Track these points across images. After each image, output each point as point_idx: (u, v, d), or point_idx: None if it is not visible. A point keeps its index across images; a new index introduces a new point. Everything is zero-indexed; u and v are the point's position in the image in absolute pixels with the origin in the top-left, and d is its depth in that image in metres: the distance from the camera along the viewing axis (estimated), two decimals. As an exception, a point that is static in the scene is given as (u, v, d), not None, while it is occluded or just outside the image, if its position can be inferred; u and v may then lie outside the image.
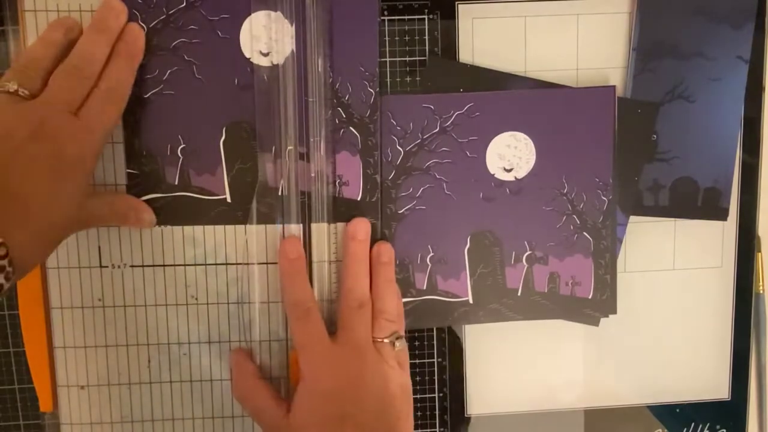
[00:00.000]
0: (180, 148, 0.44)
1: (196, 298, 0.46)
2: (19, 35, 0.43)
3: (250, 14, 0.44)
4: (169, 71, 0.44)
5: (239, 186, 0.45)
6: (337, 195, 0.45)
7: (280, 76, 0.44)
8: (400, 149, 0.46)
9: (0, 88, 0.39)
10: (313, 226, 0.45)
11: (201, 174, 0.45)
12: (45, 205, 0.37)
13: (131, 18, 0.43)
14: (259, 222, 0.45)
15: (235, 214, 0.45)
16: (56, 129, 0.38)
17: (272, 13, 0.44)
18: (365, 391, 0.42)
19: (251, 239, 0.46)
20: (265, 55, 0.44)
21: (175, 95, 0.44)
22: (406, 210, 0.46)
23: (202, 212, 0.45)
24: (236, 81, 0.44)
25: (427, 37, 0.45)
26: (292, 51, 0.44)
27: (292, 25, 0.44)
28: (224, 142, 0.45)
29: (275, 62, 0.44)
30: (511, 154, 0.46)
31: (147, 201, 0.45)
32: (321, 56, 0.44)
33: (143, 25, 0.43)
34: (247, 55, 0.44)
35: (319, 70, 0.44)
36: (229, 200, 0.45)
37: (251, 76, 0.44)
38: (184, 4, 0.43)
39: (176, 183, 0.45)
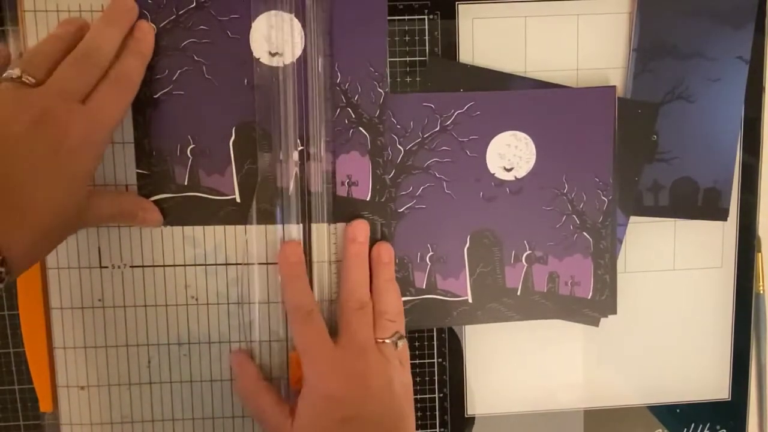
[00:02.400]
0: (190, 148, 0.44)
1: (196, 299, 0.46)
2: (19, 35, 0.43)
3: (259, 14, 0.44)
4: (178, 71, 0.44)
5: (249, 186, 0.45)
6: (346, 195, 0.45)
7: (288, 76, 0.44)
8: (401, 148, 0.46)
9: (4, 75, 0.38)
10: (314, 226, 0.45)
11: (210, 174, 0.45)
12: (45, 195, 0.36)
13: (140, 17, 0.43)
14: (259, 222, 0.45)
15: (244, 214, 0.45)
16: (59, 116, 0.37)
17: (282, 14, 0.44)
18: (370, 393, 0.42)
19: (251, 239, 0.45)
20: (274, 55, 0.44)
21: (185, 95, 0.44)
22: (405, 209, 0.46)
23: (211, 212, 0.45)
24: (246, 81, 0.44)
25: (427, 37, 0.45)
26: (302, 51, 0.44)
27: (301, 25, 0.44)
28: (234, 142, 0.45)
29: (285, 62, 0.44)
30: (511, 154, 0.46)
31: (156, 201, 0.45)
32: (330, 56, 0.44)
33: (153, 25, 0.43)
34: (257, 56, 0.44)
35: (328, 70, 0.44)
36: (238, 200, 0.45)
37: (259, 75, 0.44)
38: (194, 4, 0.43)
39: (186, 183, 0.45)
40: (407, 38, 0.45)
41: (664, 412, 0.50)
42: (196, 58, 0.44)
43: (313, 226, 0.45)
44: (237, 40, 0.44)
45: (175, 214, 0.45)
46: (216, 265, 0.46)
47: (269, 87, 0.44)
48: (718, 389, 0.51)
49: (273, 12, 0.43)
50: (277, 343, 0.46)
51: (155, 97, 0.44)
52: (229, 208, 0.45)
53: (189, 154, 0.44)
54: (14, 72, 0.37)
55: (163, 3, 0.43)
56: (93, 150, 0.38)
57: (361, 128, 0.45)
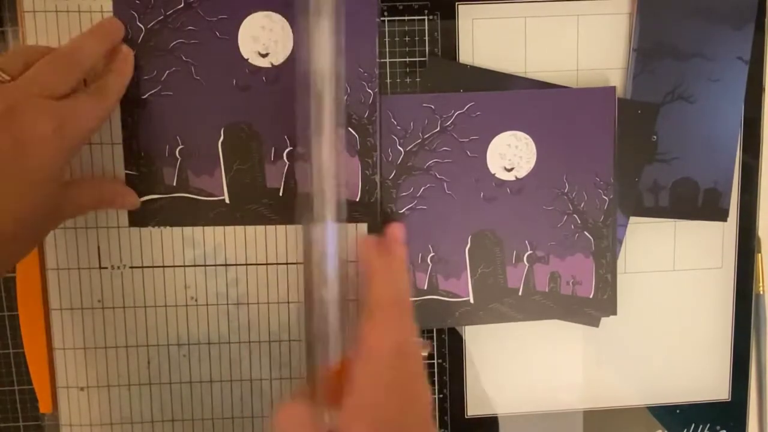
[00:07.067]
0: (178, 149, 0.44)
1: (196, 299, 0.46)
2: (19, 35, 0.43)
3: (248, 15, 0.43)
4: (167, 72, 0.44)
5: (237, 187, 0.45)
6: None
7: (279, 77, 0.44)
8: (401, 149, 0.46)
9: None
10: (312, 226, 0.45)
11: (199, 175, 0.45)
12: (11, 194, 0.36)
13: (130, 19, 0.43)
14: (258, 223, 0.45)
15: (233, 215, 0.45)
16: (25, 111, 0.36)
17: (271, 14, 0.43)
18: (414, 394, 0.40)
19: (251, 240, 0.45)
20: (264, 56, 0.44)
21: (174, 96, 0.44)
22: (406, 210, 0.46)
23: (200, 213, 0.45)
24: (234, 82, 0.44)
25: (427, 38, 0.45)
26: (291, 51, 0.44)
27: (291, 25, 0.44)
28: (222, 143, 0.45)
29: (274, 63, 0.44)
30: (511, 154, 0.46)
31: (145, 202, 0.45)
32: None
33: (141, 25, 0.43)
34: (246, 56, 0.44)
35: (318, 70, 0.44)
36: (227, 201, 0.45)
37: (250, 77, 0.44)
38: (182, 4, 0.43)
39: (174, 184, 0.45)
40: (407, 38, 0.45)
41: (664, 413, 0.50)
42: (184, 58, 0.44)
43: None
44: (226, 41, 0.44)
45: (164, 215, 0.45)
46: (216, 266, 0.46)
47: (267, 88, 0.44)
48: (718, 389, 0.51)
49: (262, 13, 0.43)
50: (277, 344, 0.46)
51: (143, 97, 0.44)
52: (218, 209, 0.45)
53: (178, 155, 0.44)
54: None
55: (151, 3, 0.43)
56: (58, 148, 0.37)
57: (350, 129, 0.45)
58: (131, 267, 0.45)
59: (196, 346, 0.46)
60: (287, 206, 0.45)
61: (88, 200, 0.42)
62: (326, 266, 0.40)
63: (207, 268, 0.46)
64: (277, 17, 0.44)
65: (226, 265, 0.46)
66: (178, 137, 0.44)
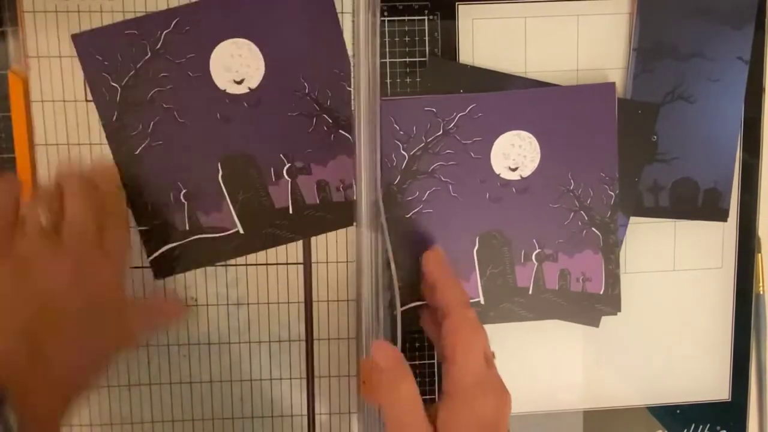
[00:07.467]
0: (182, 193, 0.44)
1: (196, 300, 0.46)
2: (19, 36, 0.43)
3: (215, 47, 0.43)
4: (152, 123, 0.44)
5: (248, 215, 0.45)
6: (344, 200, 0.45)
7: (260, 98, 0.44)
8: (405, 154, 0.45)
9: (30, 225, 0.37)
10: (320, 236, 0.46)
11: (209, 213, 0.45)
12: (74, 358, 0.36)
13: (103, 81, 0.43)
14: (278, 244, 0.45)
15: (251, 243, 0.45)
16: (90, 268, 0.37)
17: (237, 40, 0.43)
18: (502, 395, 0.40)
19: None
20: (239, 82, 0.44)
21: (164, 144, 0.44)
22: (413, 214, 0.46)
23: (219, 250, 0.45)
24: (218, 114, 0.44)
25: (427, 38, 0.45)
26: (265, 72, 0.44)
27: (258, 47, 0.43)
28: (222, 176, 0.44)
29: (251, 87, 0.44)
30: (515, 153, 0.46)
31: (163, 252, 0.45)
32: (293, 70, 0.44)
33: (115, 85, 0.43)
34: (222, 87, 0.44)
35: (295, 83, 0.44)
36: (241, 231, 0.45)
37: (231, 106, 0.44)
38: (149, 54, 0.43)
39: (187, 228, 0.45)
40: (407, 39, 0.45)
41: (664, 413, 0.50)
42: (165, 105, 0.44)
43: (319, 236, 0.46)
44: (199, 77, 0.43)
45: (185, 260, 0.45)
46: (216, 266, 0.46)
47: (250, 112, 0.44)
48: (718, 390, 0.51)
49: (228, 41, 0.43)
50: (278, 344, 0.46)
51: (136, 153, 0.44)
52: (235, 241, 0.45)
53: (183, 199, 0.44)
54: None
55: (119, 61, 0.43)
56: (120, 289, 0.39)
57: (341, 131, 0.45)
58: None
59: (196, 346, 0.46)
60: (300, 222, 0.45)
61: (138, 327, 0.43)
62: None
63: (207, 268, 0.46)
64: (243, 42, 0.43)
65: (226, 265, 0.46)
66: (179, 182, 0.44)
